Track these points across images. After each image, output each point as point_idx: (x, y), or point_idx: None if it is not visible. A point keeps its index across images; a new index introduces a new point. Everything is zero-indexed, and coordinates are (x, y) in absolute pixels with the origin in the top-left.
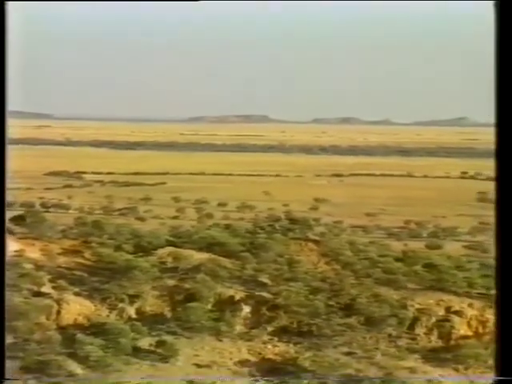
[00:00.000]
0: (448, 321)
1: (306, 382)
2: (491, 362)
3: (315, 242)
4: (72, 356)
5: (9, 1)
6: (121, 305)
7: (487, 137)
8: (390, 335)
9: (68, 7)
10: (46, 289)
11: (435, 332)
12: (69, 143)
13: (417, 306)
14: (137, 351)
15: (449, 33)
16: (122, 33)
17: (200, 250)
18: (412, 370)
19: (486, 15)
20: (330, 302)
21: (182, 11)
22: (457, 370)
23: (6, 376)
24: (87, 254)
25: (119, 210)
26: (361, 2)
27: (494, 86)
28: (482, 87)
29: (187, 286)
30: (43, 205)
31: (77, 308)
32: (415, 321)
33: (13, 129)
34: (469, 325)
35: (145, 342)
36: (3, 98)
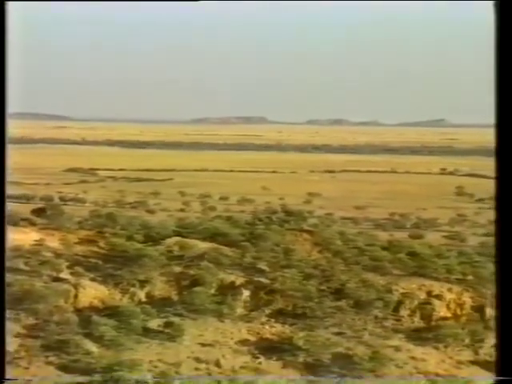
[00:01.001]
0: (429, 304)
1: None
2: (468, 340)
3: (309, 232)
4: (88, 336)
5: (9, 0)
6: (132, 289)
7: (464, 137)
8: (376, 317)
9: (72, 7)
10: (65, 275)
11: (417, 314)
12: (84, 142)
13: (401, 291)
14: (147, 331)
15: (433, 37)
16: (123, 37)
17: (204, 239)
18: (397, 349)
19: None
20: (322, 287)
21: (177, 11)
22: (437, 348)
23: (7, 376)
24: (101, 244)
25: (130, 203)
26: (352, 8)
27: (494, 86)
28: (460, 91)
29: (192, 272)
30: (61, 198)
31: (92, 292)
32: (399, 304)
33: (33, 130)
34: (448, 307)
35: (154, 323)
36: (3, 97)
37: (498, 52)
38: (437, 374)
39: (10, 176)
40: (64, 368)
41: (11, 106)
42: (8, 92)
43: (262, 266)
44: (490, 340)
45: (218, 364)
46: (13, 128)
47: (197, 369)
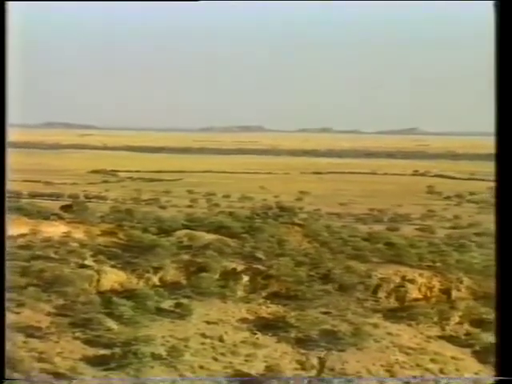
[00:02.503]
0: (403, 287)
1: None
2: (436, 319)
3: (299, 225)
4: (109, 315)
5: (9, 0)
6: (147, 275)
7: (434, 143)
8: (358, 298)
9: (79, 12)
10: (89, 262)
11: (393, 296)
12: (106, 148)
13: (379, 276)
14: (160, 311)
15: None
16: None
17: (209, 232)
18: (375, 326)
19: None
20: (311, 273)
21: (174, 17)
22: (410, 325)
23: (6, 376)
24: (121, 235)
25: (146, 200)
26: (337, 21)
27: (494, 87)
28: (433, 101)
29: (199, 260)
30: (86, 196)
31: (113, 277)
32: (378, 287)
33: (62, 137)
34: (419, 290)
35: (166, 304)
36: (3, 98)
37: (498, 53)
38: (410, 348)
39: (42, 177)
40: (88, 342)
41: (43, 117)
42: (8, 93)
43: (260, 254)
44: (455, 318)
45: (221, 339)
46: (44, 136)
47: (203, 343)
